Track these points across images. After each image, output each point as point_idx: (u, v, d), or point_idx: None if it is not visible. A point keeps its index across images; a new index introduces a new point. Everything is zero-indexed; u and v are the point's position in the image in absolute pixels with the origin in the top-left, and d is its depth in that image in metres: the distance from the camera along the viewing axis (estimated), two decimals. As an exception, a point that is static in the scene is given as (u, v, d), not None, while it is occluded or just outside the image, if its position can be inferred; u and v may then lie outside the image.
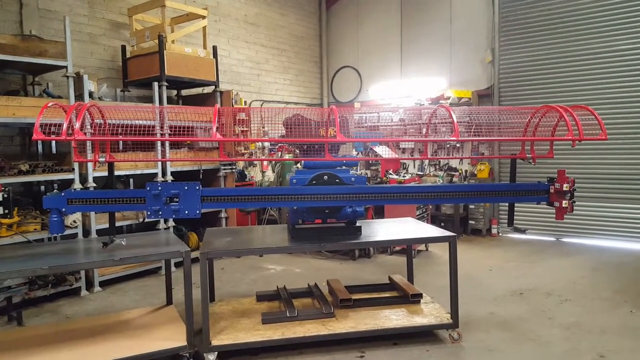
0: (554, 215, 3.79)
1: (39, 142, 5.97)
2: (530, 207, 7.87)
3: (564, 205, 3.69)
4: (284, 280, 5.76)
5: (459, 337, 3.94)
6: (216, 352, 3.62)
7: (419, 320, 3.98)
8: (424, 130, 4.17)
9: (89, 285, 5.62)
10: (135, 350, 3.45)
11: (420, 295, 4.33)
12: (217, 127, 3.36)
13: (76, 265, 3.47)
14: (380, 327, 3.83)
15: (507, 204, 4.30)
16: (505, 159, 8.41)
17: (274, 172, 9.02)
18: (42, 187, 5.82)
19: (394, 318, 4.01)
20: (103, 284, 5.75)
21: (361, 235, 4.04)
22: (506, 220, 4.20)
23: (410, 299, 4.28)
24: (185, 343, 3.59)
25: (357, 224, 4.12)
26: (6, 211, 3.56)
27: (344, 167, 4.11)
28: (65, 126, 2.94)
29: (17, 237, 4.84)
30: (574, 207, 3.78)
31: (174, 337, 3.69)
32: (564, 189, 3.67)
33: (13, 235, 4.86)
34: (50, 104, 3.10)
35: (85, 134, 3.42)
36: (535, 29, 8.07)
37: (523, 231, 4.34)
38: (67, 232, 5.37)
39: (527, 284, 5.57)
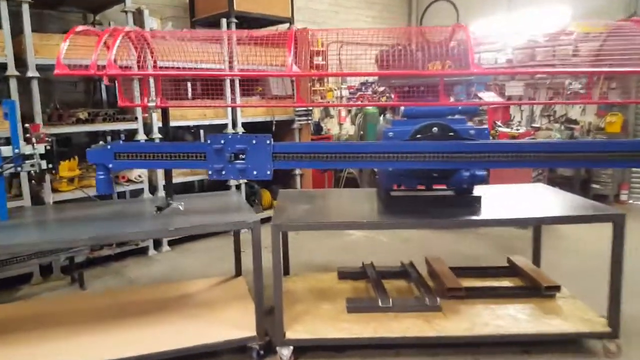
0: None
1: (103, 88, 5.53)
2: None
3: None
4: (367, 250, 4.96)
5: (617, 350, 2.88)
6: (291, 347, 2.91)
7: (559, 325, 2.92)
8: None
9: (157, 244, 5.22)
10: (194, 340, 2.83)
11: (557, 288, 3.26)
12: (293, 59, 2.46)
13: (121, 236, 2.86)
14: (507, 333, 2.86)
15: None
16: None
17: (353, 124, 8.06)
18: (109, 138, 5.39)
19: (523, 318, 3.01)
20: (172, 243, 5.32)
21: (481, 208, 3.02)
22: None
23: (543, 292, 3.23)
24: (254, 333, 2.91)
25: (475, 193, 3.10)
26: (50, 165, 2.98)
27: (456, 116, 3.07)
28: (94, 57, 2.20)
29: (78, 192, 4.43)
30: None
31: (241, 321, 3.03)
32: None
33: (74, 190, 4.46)
34: (79, 29, 2.36)
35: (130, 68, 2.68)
36: None
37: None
38: (132, 187, 4.96)
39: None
